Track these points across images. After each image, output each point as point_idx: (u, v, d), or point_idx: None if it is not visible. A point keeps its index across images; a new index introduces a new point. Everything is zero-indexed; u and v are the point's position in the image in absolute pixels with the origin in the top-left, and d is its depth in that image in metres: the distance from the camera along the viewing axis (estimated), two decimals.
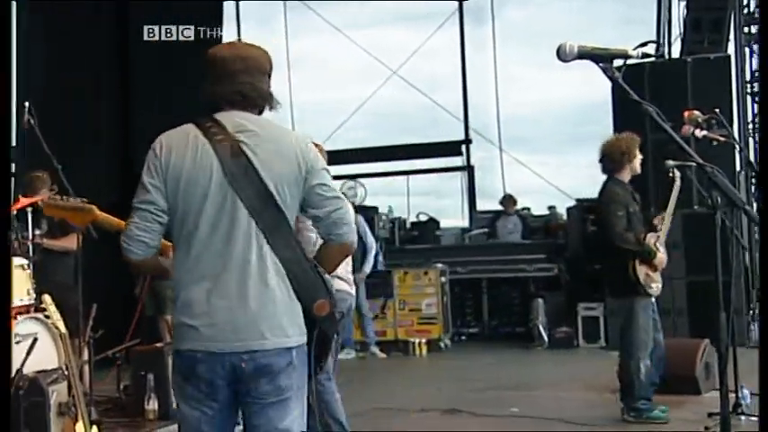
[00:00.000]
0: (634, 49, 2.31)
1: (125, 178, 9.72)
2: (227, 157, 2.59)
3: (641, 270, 5.63)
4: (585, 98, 12.09)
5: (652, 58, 10.86)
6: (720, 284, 2.22)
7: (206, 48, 2.80)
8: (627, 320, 5.75)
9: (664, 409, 5.72)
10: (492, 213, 12.12)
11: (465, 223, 13.08)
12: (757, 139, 9.73)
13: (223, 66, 2.66)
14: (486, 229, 11.82)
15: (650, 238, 5.73)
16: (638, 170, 5.87)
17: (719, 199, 2.20)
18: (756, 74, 10.05)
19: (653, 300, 5.75)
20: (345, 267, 4.62)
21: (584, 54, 2.30)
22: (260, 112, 2.72)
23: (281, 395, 2.60)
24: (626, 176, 5.82)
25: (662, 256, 5.73)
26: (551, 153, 15.06)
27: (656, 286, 5.70)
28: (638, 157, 5.82)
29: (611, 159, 5.81)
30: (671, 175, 5.67)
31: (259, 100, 2.69)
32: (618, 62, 2.37)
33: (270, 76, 2.75)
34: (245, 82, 2.65)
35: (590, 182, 9.65)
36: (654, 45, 2.31)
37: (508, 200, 11.71)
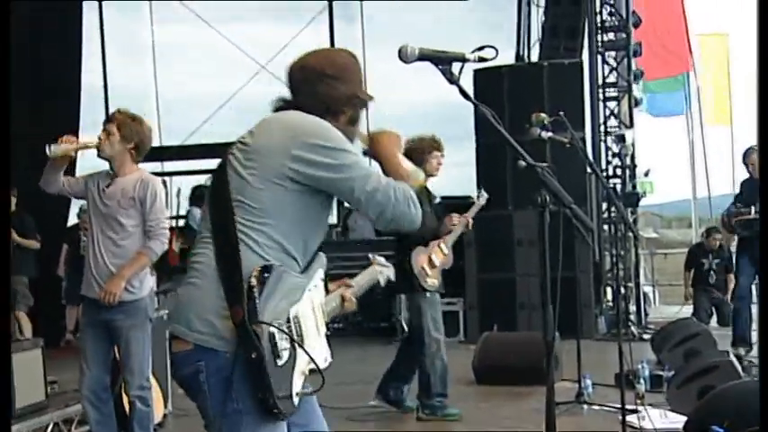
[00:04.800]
0: (471, 53, 2.42)
1: None
2: None
3: (417, 263, 5.64)
4: (449, 99, 12.32)
5: (511, 62, 11.35)
6: (548, 280, 2.35)
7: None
8: (415, 317, 5.80)
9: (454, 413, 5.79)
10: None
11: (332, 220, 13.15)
12: (617, 144, 10.22)
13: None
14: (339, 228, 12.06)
15: (434, 242, 5.74)
16: (433, 171, 5.73)
17: (548, 198, 2.33)
18: (607, 80, 10.58)
19: (437, 298, 5.81)
20: None
21: (424, 56, 2.39)
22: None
23: None
24: None
25: (444, 258, 5.79)
26: None
27: (431, 282, 5.71)
28: (432, 158, 5.71)
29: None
30: (478, 195, 5.99)
31: None
32: (477, 66, 2.47)
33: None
34: None
35: (452, 180, 9.91)
36: (491, 50, 2.40)
37: None
